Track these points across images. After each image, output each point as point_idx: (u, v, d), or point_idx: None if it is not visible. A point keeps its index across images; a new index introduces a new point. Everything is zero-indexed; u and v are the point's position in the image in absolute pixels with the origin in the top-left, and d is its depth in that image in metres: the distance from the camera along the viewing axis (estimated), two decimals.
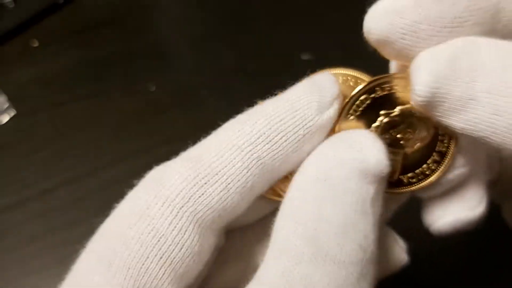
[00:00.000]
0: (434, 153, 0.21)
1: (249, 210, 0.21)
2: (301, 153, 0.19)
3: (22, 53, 0.54)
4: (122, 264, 0.17)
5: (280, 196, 0.21)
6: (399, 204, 0.23)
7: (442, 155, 0.21)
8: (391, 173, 0.20)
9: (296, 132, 0.19)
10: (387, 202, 0.21)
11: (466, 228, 0.23)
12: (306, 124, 0.19)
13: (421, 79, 0.18)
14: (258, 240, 0.22)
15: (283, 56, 0.49)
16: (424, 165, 0.21)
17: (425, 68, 0.18)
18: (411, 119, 0.21)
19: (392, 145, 0.21)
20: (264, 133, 0.19)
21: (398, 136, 0.21)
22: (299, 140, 0.19)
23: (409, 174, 0.21)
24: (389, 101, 0.21)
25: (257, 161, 0.19)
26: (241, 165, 0.18)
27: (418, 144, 0.21)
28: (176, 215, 0.18)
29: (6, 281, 0.39)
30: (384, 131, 0.21)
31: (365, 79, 0.21)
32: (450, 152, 0.21)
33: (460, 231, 0.24)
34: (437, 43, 0.19)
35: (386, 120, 0.21)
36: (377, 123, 0.21)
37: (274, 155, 0.19)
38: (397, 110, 0.21)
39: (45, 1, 0.57)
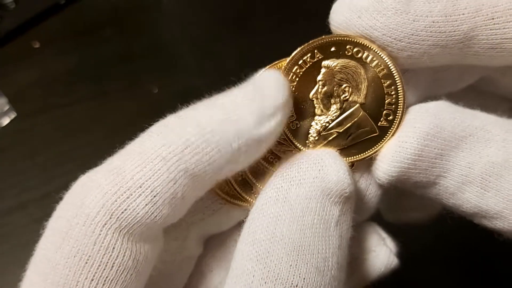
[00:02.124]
0: (385, 107, 0.20)
1: (222, 219, 0.21)
2: (237, 164, 0.18)
3: (23, 54, 0.54)
4: None
5: (249, 203, 0.21)
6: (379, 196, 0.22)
7: (392, 105, 0.20)
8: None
9: (230, 145, 0.17)
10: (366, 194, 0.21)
11: (420, 222, 0.25)
12: (241, 137, 0.17)
13: (384, 168, 0.19)
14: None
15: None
16: (381, 120, 0.20)
17: (390, 157, 0.19)
18: (346, 73, 0.20)
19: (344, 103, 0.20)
20: (193, 143, 0.17)
21: (342, 94, 0.20)
22: (233, 153, 0.17)
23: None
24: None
25: (185, 173, 0.17)
26: (167, 177, 0.17)
27: (364, 92, 0.20)
28: (100, 234, 0.16)
29: (7, 285, 0.39)
30: (327, 92, 0.20)
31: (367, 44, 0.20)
32: (401, 100, 0.20)
33: (415, 223, 0.25)
34: (393, 51, 0.19)
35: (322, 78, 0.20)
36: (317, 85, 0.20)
37: (205, 167, 0.17)
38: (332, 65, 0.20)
39: (46, 2, 0.57)
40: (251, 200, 0.21)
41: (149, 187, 0.17)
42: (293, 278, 0.16)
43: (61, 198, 0.18)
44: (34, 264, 0.17)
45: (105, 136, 0.47)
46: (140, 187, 0.17)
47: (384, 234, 0.22)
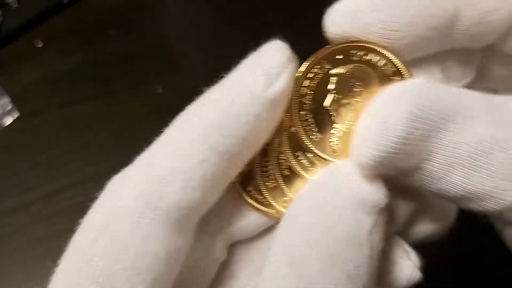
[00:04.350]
0: None
1: (250, 226, 0.21)
2: (261, 133, 0.18)
3: (26, 53, 0.54)
4: (88, 283, 0.17)
5: (277, 211, 0.21)
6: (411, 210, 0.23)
7: None
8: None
9: (247, 112, 0.18)
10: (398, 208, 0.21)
11: (434, 238, 0.24)
12: (255, 102, 0.18)
13: (367, 153, 0.18)
14: (263, 255, 0.22)
15: None
16: None
17: (373, 141, 0.17)
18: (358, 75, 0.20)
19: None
20: (213, 121, 0.17)
21: (356, 98, 0.20)
22: (252, 120, 0.18)
23: None
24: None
25: (212, 152, 0.17)
26: (196, 159, 0.17)
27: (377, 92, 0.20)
28: (136, 225, 0.17)
29: (10, 286, 0.39)
30: (340, 99, 0.20)
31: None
32: None
33: (430, 240, 0.24)
34: (392, 42, 0.19)
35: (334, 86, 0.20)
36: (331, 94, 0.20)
37: (230, 142, 0.18)
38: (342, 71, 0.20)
39: (49, 0, 0.57)
40: (281, 208, 0.21)
41: (180, 171, 0.17)
42: (325, 284, 0.17)
43: (96, 197, 0.18)
44: (67, 258, 0.17)
45: (109, 135, 0.47)
46: (171, 173, 0.17)
47: (408, 248, 0.22)
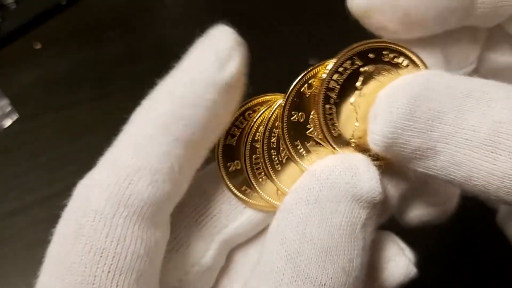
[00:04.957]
0: None
1: (246, 226, 0.21)
2: (219, 117, 0.19)
3: (25, 55, 0.54)
4: None
5: (271, 205, 0.21)
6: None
7: None
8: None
9: (204, 99, 0.18)
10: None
11: (435, 221, 0.24)
12: (210, 87, 0.18)
13: (377, 129, 0.18)
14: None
15: (290, 60, 0.48)
16: None
17: (382, 118, 0.18)
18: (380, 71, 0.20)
19: None
20: (172, 112, 0.18)
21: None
22: (210, 106, 0.18)
23: None
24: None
25: (175, 143, 0.18)
26: (160, 153, 0.18)
27: None
28: (111, 226, 0.17)
29: None
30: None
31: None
32: None
33: (431, 223, 0.24)
34: (422, 13, 0.19)
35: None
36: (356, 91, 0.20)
37: (191, 130, 0.18)
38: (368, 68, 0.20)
39: (47, 2, 0.56)
40: (275, 201, 0.21)
41: (146, 167, 0.17)
42: (321, 277, 0.17)
43: (65, 205, 0.18)
44: (47, 269, 0.17)
45: (109, 137, 0.46)
46: (139, 170, 0.17)
47: (402, 244, 0.22)
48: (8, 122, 0.48)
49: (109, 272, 0.17)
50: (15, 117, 0.48)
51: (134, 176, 0.17)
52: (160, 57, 0.54)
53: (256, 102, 0.21)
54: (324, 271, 0.17)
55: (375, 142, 0.18)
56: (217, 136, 0.20)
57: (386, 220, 0.22)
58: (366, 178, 0.18)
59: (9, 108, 0.49)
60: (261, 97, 0.22)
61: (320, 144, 0.20)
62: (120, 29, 0.56)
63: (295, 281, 0.17)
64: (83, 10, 0.57)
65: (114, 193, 0.17)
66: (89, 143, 0.46)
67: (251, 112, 0.21)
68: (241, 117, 0.21)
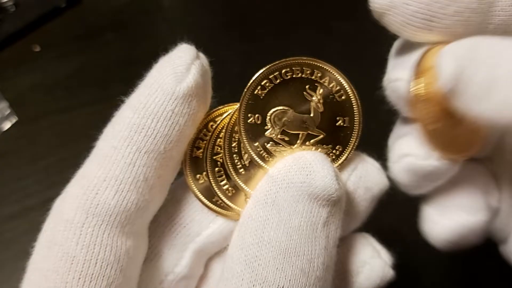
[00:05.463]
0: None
1: (220, 234, 0.21)
2: (181, 127, 0.19)
3: (24, 58, 0.54)
4: None
5: (238, 212, 0.21)
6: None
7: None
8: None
9: (163, 109, 0.19)
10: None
11: (468, 237, 0.23)
12: (169, 99, 0.19)
13: (446, 61, 0.18)
14: None
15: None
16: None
17: (450, 52, 0.18)
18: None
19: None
20: (134, 124, 0.19)
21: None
22: (170, 116, 0.19)
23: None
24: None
25: (138, 153, 0.19)
26: (124, 162, 0.18)
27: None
28: (80, 235, 0.18)
29: None
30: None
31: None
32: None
33: (463, 242, 0.23)
34: (443, 10, 0.19)
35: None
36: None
37: (153, 140, 0.19)
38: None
39: (46, 5, 0.56)
40: (240, 208, 0.21)
41: (111, 178, 0.18)
42: (279, 280, 0.17)
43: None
44: (27, 279, 0.19)
45: None
46: (104, 180, 0.18)
47: (378, 246, 0.22)
48: (7, 125, 0.48)
49: (79, 278, 0.18)
50: (14, 120, 0.48)
51: (101, 186, 0.18)
52: (158, 59, 0.54)
53: (217, 113, 0.22)
54: (282, 274, 0.17)
55: (445, 75, 0.18)
56: (183, 148, 0.20)
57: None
58: (320, 175, 0.18)
59: (8, 111, 0.49)
60: (223, 107, 0.22)
61: (279, 144, 0.20)
62: (119, 32, 0.56)
63: (253, 285, 0.17)
64: (81, 13, 0.57)
65: (82, 203, 0.18)
66: (88, 147, 0.46)
67: (213, 124, 0.22)
68: (205, 129, 0.22)
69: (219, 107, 0.22)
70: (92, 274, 0.18)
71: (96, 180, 0.18)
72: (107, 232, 0.18)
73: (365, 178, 0.21)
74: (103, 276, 0.18)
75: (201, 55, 0.20)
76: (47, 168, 0.45)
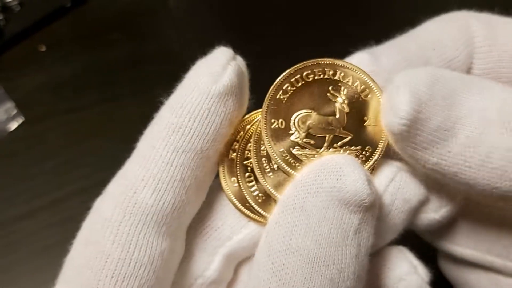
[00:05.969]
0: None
1: (250, 240, 0.21)
2: (217, 126, 0.20)
3: (29, 58, 0.54)
4: None
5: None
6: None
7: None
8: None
9: (200, 109, 0.19)
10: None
11: (428, 227, 0.23)
12: (205, 98, 0.19)
13: (402, 99, 0.18)
14: None
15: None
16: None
17: (406, 89, 0.18)
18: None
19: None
20: (172, 124, 0.19)
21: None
22: (206, 115, 0.19)
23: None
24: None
25: (176, 153, 0.19)
26: (162, 162, 0.19)
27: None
28: (117, 233, 0.18)
29: None
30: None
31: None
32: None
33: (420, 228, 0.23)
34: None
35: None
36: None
37: (190, 139, 0.19)
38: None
39: (52, 4, 0.56)
40: (269, 214, 0.21)
41: (149, 177, 0.19)
42: None
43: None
44: (62, 274, 0.19)
45: (114, 141, 0.46)
46: (143, 179, 0.18)
47: (415, 261, 0.21)
48: (13, 125, 0.48)
49: (112, 277, 0.18)
50: (20, 120, 0.48)
51: (139, 185, 0.18)
52: (164, 59, 0.54)
53: (254, 117, 0.22)
54: (311, 284, 0.17)
55: (400, 113, 0.18)
56: (219, 148, 0.20)
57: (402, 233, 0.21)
58: (351, 180, 0.17)
59: (14, 111, 0.49)
60: (257, 112, 0.22)
61: (305, 148, 0.20)
62: (124, 32, 0.55)
63: None
64: (87, 13, 0.57)
65: (120, 202, 0.18)
66: (95, 147, 0.46)
67: (249, 126, 0.22)
68: (242, 132, 0.22)
69: (257, 111, 0.22)
70: (125, 274, 0.18)
71: (135, 179, 0.19)
72: (143, 232, 0.18)
73: (403, 189, 0.20)
74: (136, 277, 0.18)
75: (238, 57, 0.21)
76: (54, 169, 0.45)
